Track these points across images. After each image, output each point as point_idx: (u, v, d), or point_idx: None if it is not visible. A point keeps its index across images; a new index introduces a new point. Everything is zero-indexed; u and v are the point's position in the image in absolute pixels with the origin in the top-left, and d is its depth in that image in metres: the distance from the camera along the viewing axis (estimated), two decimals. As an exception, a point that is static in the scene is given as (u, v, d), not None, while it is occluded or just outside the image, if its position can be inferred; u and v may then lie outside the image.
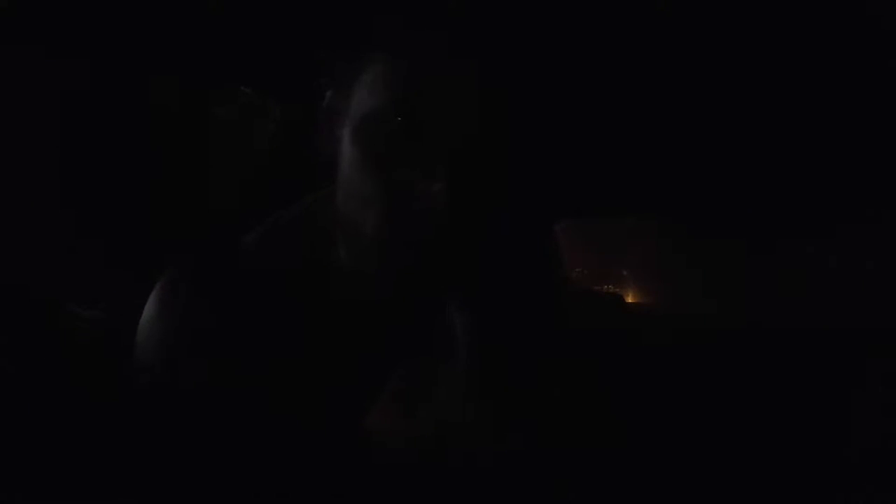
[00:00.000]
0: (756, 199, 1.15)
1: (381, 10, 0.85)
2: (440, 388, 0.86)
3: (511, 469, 0.83)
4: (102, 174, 1.16)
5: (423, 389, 0.87)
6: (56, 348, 0.99)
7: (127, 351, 0.90)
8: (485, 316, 0.85)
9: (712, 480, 0.98)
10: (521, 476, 0.83)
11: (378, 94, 0.82)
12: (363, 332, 0.88)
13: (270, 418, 0.83)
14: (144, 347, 0.88)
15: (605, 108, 1.08)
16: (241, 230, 0.94)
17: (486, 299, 0.86)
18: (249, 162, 1.19)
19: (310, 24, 1.08)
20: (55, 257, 1.14)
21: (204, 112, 1.19)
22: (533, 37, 0.89)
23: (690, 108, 1.12)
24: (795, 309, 1.15)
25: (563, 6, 0.96)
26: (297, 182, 1.00)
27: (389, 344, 0.89)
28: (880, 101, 1.11)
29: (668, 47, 1.08)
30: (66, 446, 0.84)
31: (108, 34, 1.15)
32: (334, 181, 0.88)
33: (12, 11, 1.11)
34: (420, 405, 0.86)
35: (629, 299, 1.01)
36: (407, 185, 0.80)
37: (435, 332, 0.87)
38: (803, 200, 1.15)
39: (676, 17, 1.07)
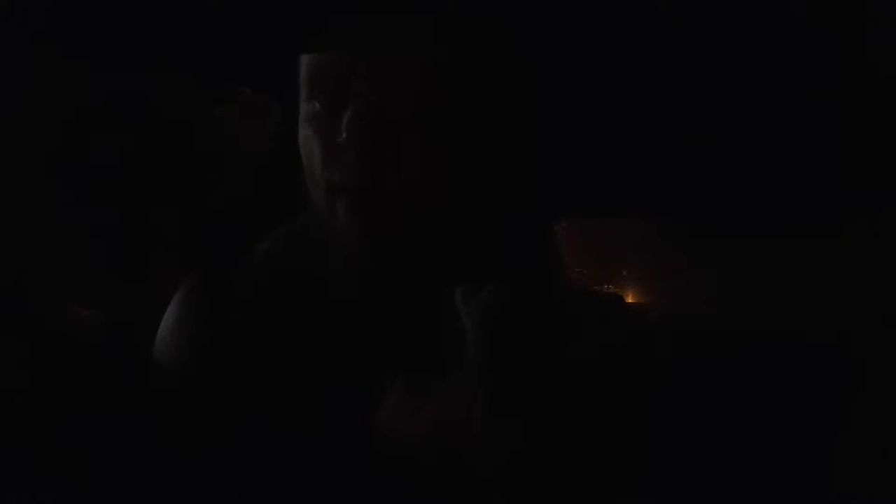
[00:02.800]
0: (757, 198, 1.16)
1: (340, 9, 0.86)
2: (447, 385, 0.86)
3: (516, 467, 0.84)
4: (102, 174, 1.16)
5: (430, 387, 0.87)
6: (56, 348, 0.99)
7: (128, 351, 0.91)
8: (491, 311, 0.85)
9: (711, 482, 0.98)
10: (525, 475, 0.83)
11: (304, 83, 0.85)
12: (365, 333, 0.89)
13: (288, 418, 0.85)
14: (165, 355, 0.91)
15: (604, 107, 1.08)
16: (241, 231, 0.95)
17: (493, 294, 0.86)
18: (249, 162, 1.19)
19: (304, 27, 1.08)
20: (55, 257, 1.14)
21: (203, 112, 1.19)
22: (519, 30, 0.89)
23: (691, 107, 1.12)
24: (796, 309, 1.15)
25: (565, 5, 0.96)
26: (296, 183, 1.00)
27: (392, 343, 0.89)
28: (880, 101, 1.11)
29: (670, 47, 1.08)
30: (67, 446, 0.84)
31: (107, 34, 1.15)
32: None
33: (11, 11, 1.11)
34: (427, 403, 0.87)
35: (629, 299, 1.01)
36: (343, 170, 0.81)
37: (441, 330, 0.88)
38: (804, 200, 1.16)
39: (677, 15, 1.07)
